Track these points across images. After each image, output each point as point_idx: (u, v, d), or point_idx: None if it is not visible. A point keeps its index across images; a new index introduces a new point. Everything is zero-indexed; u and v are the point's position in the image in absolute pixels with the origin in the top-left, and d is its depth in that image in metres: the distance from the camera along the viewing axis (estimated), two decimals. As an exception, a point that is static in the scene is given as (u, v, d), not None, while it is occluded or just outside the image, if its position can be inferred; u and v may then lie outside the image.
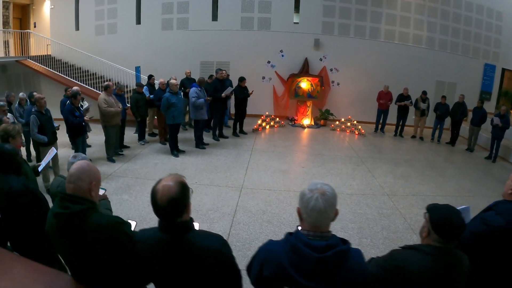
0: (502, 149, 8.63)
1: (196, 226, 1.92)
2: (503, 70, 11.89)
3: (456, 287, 1.62)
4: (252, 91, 8.60)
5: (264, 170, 6.44)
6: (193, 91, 7.19)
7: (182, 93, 8.33)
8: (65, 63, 11.28)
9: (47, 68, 10.69)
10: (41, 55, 11.34)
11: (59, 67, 10.90)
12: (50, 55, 11.61)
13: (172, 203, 1.43)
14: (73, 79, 10.33)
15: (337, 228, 4.43)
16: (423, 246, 1.62)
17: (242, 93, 8.22)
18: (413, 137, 9.90)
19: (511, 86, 12.85)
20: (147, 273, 1.58)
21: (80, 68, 11.08)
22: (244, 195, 5.30)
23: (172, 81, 6.81)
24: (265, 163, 6.82)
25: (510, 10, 11.63)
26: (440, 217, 1.59)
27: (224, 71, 8.68)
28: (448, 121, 9.54)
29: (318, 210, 1.36)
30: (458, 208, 2.40)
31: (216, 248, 1.50)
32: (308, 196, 1.38)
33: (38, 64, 10.83)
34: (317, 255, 1.34)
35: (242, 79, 8.32)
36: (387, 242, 4.22)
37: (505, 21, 11.59)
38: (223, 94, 7.77)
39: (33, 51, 11.68)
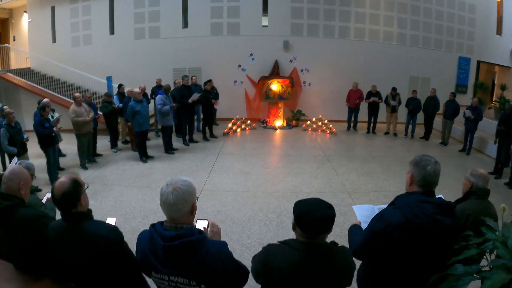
0: (477, 141, 8.97)
1: (112, 220, 2.39)
2: (478, 62, 12.33)
3: (330, 283, 1.63)
4: (214, 100, 9.13)
5: (227, 172, 6.91)
6: (159, 98, 7.73)
7: (151, 101, 8.89)
8: (44, 75, 11.89)
9: (26, 81, 11.26)
10: (21, 68, 11.95)
11: (38, 80, 11.51)
12: (29, 68, 12.24)
13: (65, 196, 1.78)
14: (51, 91, 10.88)
15: (289, 227, 4.74)
16: (293, 240, 1.66)
17: (206, 99, 8.73)
18: (386, 133, 10.34)
19: (488, 78, 13.31)
20: (55, 258, 1.99)
21: (58, 79, 11.68)
22: (203, 197, 5.73)
23: (135, 89, 7.35)
24: (229, 166, 7.29)
25: (482, 2, 12.08)
26: (300, 211, 1.61)
27: (194, 77, 9.26)
28: (421, 116, 9.89)
29: (168, 203, 1.53)
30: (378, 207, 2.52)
31: (102, 234, 1.78)
32: (162, 191, 1.56)
33: (18, 77, 11.41)
34: (163, 243, 1.52)
35: (206, 83, 8.87)
36: (338, 239, 4.56)
37: (478, 14, 12.04)
38: (189, 100, 8.30)
39: (14, 65, 12.32)
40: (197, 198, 1.72)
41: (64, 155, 8.02)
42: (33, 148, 7.10)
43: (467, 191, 2.58)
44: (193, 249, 1.53)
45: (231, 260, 1.62)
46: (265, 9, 10.87)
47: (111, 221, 2.23)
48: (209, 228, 1.93)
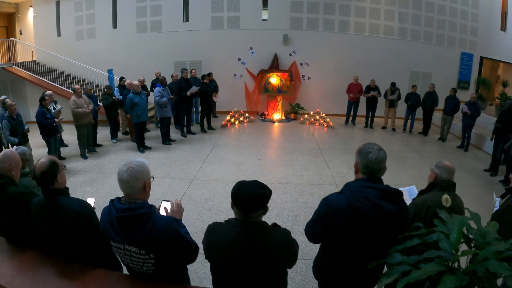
0: (476, 138, 8.96)
1: (91, 201, 2.58)
2: (481, 58, 12.25)
3: (265, 260, 1.73)
4: (214, 93, 9.38)
5: (220, 163, 7.10)
6: (156, 90, 7.96)
7: (151, 93, 9.15)
8: (49, 68, 12.20)
9: (31, 74, 11.60)
10: (27, 61, 12.30)
11: (43, 72, 11.81)
12: (35, 61, 12.60)
13: (43, 174, 2.07)
14: (56, 83, 11.20)
15: (272, 216, 4.88)
16: (232, 219, 1.80)
17: (204, 91, 9.00)
18: (384, 128, 10.42)
19: (493, 74, 13.23)
20: (38, 230, 2.25)
21: (63, 72, 12.01)
22: (193, 186, 5.95)
23: (134, 82, 7.61)
24: (222, 157, 7.49)
25: (486, -3, 12.02)
26: (234, 189, 1.75)
27: (194, 70, 9.49)
28: (420, 111, 9.92)
29: (122, 180, 1.76)
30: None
31: (74, 208, 2.07)
32: (119, 170, 1.78)
33: (23, 70, 11.75)
34: (116, 214, 1.75)
35: (204, 76, 9.13)
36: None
37: (482, 9, 11.94)
38: (188, 93, 8.53)
39: (20, 58, 12.70)
40: (152, 177, 1.88)
41: (66, 145, 8.30)
42: (36, 138, 7.42)
43: (431, 182, 2.58)
44: (141, 221, 1.74)
45: (178, 234, 1.78)
46: (264, 3, 11.00)
47: (90, 201, 2.49)
48: (170, 207, 2.18)
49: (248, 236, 1.71)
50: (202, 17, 11.09)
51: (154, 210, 1.81)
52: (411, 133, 10.08)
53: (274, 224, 1.85)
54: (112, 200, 1.84)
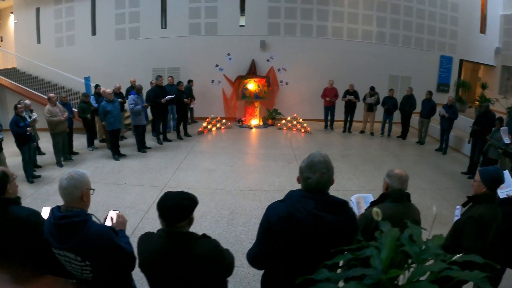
0: (455, 140, 9.26)
1: (46, 210, 2.69)
2: (461, 61, 12.64)
3: (192, 270, 1.78)
4: (190, 98, 9.78)
5: (193, 170, 7.36)
6: (131, 98, 8.25)
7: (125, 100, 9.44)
8: (29, 75, 12.51)
9: (11, 82, 11.78)
10: (7, 68, 12.57)
11: (23, 80, 12.10)
12: (15, 68, 12.88)
13: None
14: (36, 91, 11.42)
15: (239, 223, 5.06)
16: (160, 229, 1.84)
17: (178, 99, 9.31)
18: (362, 132, 10.73)
19: (474, 76, 13.62)
20: None
21: (43, 79, 12.28)
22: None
23: (108, 90, 7.90)
24: (196, 164, 7.75)
25: (465, 1, 12.38)
26: (159, 200, 1.83)
27: (170, 78, 9.82)
28: (398, 115, 10.23)
29: (61, 188, 1.91)
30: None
31: (23, 217, 2.21)
32: (60, 178, 1.94)
33: (4, 78, 11.93)
34: (53, 222, 1.89)
35: (178, 83, 9.45)
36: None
37: (461, 12, 12.34)
38: (163, 100, 8.83)
39: (0, 65, 12.95)
40: (93, 189, 2.07)
41: (43, 154, 8.54)
42: (11, 146, 7.66)
43: (383, 193, 2.46)
44: (76, 228, 1.88)
45: (112, 242, 1.92)
46: (242, 9, 11.34)
47: (46, 210, 2.68)
48: (116, 218, 2.36)
49: (173, 246, 1.77)
50: (180, 24, 11.40)
51: (89, 218, 1.94)
52: (389, 137, 10.37)
53: (203, 235, 1.91)
54: (52, 209, 1.98)
